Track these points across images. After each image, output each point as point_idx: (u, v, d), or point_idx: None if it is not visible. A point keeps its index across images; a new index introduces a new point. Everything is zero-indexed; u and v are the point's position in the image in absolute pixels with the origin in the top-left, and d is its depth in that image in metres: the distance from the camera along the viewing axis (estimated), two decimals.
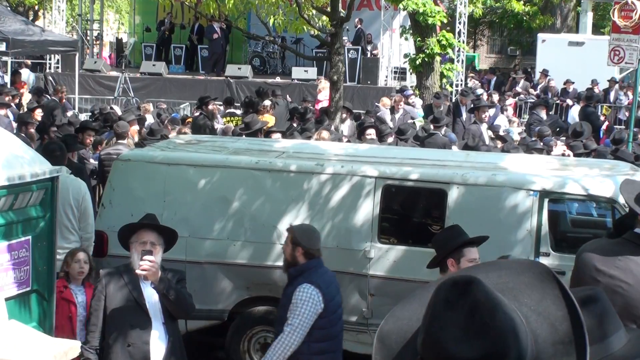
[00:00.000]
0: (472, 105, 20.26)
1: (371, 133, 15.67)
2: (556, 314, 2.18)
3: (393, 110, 22.30)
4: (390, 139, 16.20)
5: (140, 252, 6.97)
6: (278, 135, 15.02)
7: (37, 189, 8.66)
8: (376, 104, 23.27)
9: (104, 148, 14.26)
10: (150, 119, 19.45)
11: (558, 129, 20.51)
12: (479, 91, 28.16)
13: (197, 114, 19.88)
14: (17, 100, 22.21)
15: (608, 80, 30.44)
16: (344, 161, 10.31)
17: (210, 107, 19.42)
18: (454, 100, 23.54)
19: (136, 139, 15.34)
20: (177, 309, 7.17)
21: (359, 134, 16.51)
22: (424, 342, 2.10)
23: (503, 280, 2.25)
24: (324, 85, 23.67)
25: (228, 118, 20.08)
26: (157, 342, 7.07)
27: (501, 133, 18.30)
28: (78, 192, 10.13)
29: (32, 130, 15.71)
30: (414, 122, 20.62)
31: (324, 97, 23.13)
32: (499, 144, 16.37)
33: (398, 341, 2.24)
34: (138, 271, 6.90)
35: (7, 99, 20.16)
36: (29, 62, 31.33)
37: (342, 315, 7.96)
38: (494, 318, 2.09)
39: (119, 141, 14.11)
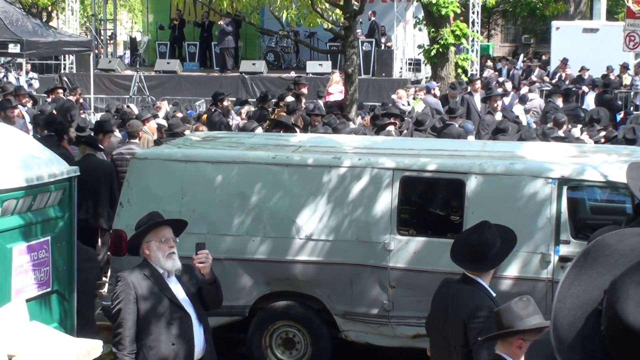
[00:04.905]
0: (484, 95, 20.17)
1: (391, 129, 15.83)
2: None
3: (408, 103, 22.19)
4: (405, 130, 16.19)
5: (163, 249, 6.93)
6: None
7: (56, 189, 8.68)
8: (392, 97, 23.18)
9: (117, 147, 14.21)
10: (161, 115, 19.41)
11: (575, 117, 20.36)
12: (494, 81, 28.03)
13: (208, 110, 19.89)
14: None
15: (620, 65, 30.29)
16: (361, 154, 10.26)
17: (225, 103, 19.40)
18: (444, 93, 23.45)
19: (155, 135, 15.33)
20: (219, 297, 7.15)
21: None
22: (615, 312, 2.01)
23: None
24: (336, 78, 23.61)
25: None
26: (196, 337, 7.01)
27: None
28: None
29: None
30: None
31: (334, 90, 23.03)
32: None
33: (573, 318, 2.14)
34: (197, 264, 6.88)
35: (24, 100, 20.22)
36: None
37: None
38: None
39: (131, 140, 14.10)
